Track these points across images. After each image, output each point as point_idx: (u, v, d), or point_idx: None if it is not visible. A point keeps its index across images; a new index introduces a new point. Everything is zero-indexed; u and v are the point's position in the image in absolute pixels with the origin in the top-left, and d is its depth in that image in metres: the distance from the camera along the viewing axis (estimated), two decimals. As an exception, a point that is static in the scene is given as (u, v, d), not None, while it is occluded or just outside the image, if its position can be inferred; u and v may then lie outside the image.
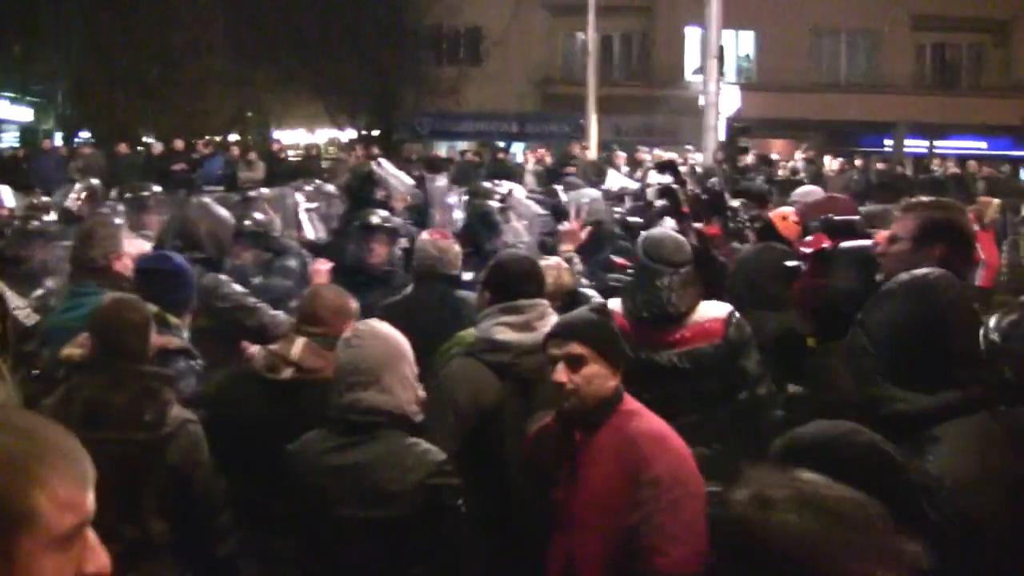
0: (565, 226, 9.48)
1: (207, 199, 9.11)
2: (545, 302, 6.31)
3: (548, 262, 7.50)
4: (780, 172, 29.60)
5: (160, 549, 5.32)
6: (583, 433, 5.16)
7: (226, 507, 5.44)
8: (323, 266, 8.60)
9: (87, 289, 7.35)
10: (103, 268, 7.50)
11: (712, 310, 6.64)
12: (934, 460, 3.74)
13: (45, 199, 12.60)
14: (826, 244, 7.04)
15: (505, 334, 6.08)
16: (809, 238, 7.38)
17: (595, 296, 7.64)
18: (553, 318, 6.09)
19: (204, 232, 8.06)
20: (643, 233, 7.40)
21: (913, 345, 3.96)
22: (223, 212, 8.62)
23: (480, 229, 9.73)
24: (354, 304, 6.52)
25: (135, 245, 8.26)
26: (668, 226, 8.33)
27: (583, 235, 9.43)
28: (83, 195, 12.26)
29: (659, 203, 9.14)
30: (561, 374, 5.11)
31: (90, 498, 2.47)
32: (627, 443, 5.03)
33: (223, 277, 7.93)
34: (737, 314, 6.66)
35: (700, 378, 6.48)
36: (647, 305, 6.56)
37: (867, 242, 6.62)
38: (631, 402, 5.27)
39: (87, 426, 5.14)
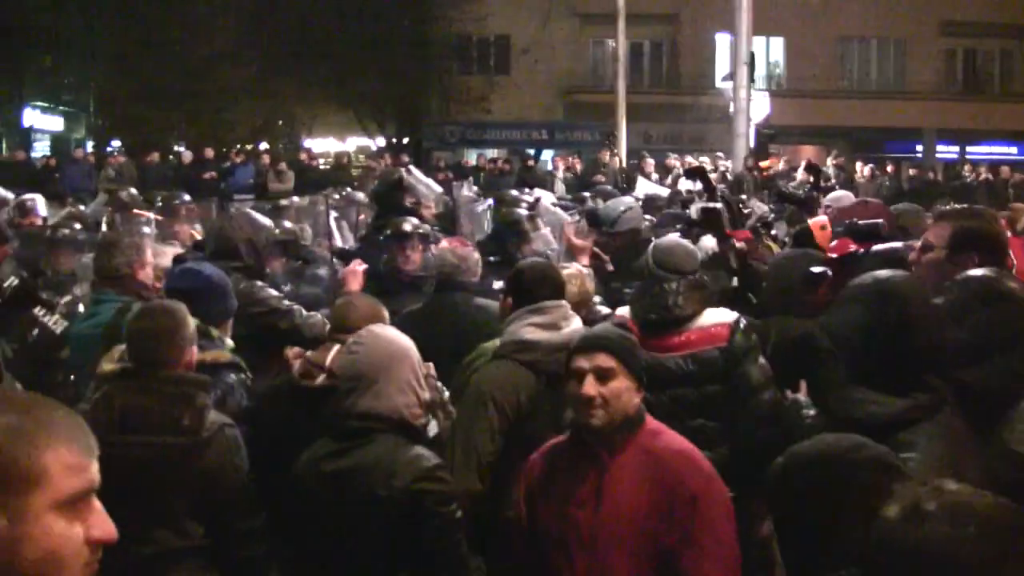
0: (576, 243, 9.51)
1: (248, 208, 9.14)
2: (566, 304, 6.46)
3: (570, 270, 7.60)
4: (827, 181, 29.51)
5: (195, 552, 5.32)
6: (608, 451, 5.03)
7: (261, 512, 5.43)
8: (358, 267, 8.60)
9: (106, 297, 7.37)
10: (124, 277, 7.51)
11: (719, 316, 6.63)
12: (912, 466, 3.70)
13: (81, 208, 12.67)
14: (852, 248, 7.03)
15: (534, 333, 6.21)
16: (835, 243, 7.37)
17: (605, 310, 7.73)
18: (576, 320, 6.38)
19: (242, 241, 8.08)
20: (654, 242, 7.44)
21: (878, 348, 3.96)
22: (262, 221, 8.65)
23: (509, 237, 9.74)
24: (385, 312, 6.57)
25: (168, 254, 8.29)
26: (708, 246, 8.30)
27: (589, 247, 9.49)
28: (112, 204, 12.34)
29: (692, 210, 9.09)
30: (590, 387, 4.97)
31: (95, 467, 2.51)
32: (657, 462, 4.97)
33: (257, 283, 7.94)
34: (744, 320, 6.63)
35: (706, 382, 6.46)
36: (654, 307, 6.57)
37: (897, 244, 6.60)
38: (652, 420, 5.21)
39: (122, 430, 5.17)
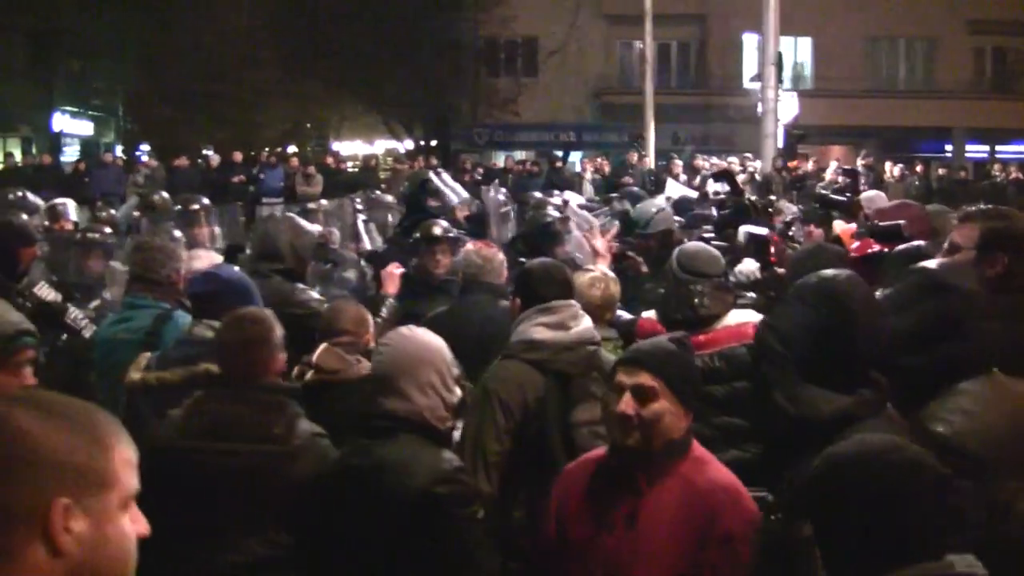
0: (598, 245, 9.52)
1: (291, 214, 9.19)
2: (576, 303, 6.45)
3: (595, 273, 7.60)
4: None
5: (281, 562, 5.31)
6: (648, 478, 4.68)
7: None
8: (396, 270, 8.64)
9: (142, 302, 7.39)
10: (161, 281, 7.53)
11: (745, 315, 6.65)
12: None
13: (111, 212, 12.72)
14: (872, 248, 7.03)
15: (542, 333, 6.20)
16: (856, 244, 7.36)
17: (627, 315, 7.74)
18: (586, 320, 6.34)
19: (285, 244, 8.11)
20: (678, 248, 7.45)
21: (824, 346, 3.97)
22: (306, 226, 8.68)
23: (543, 239, 9.75)
24: (369, 316, 6.81)
25: (207, 257, 8.33)
26: (750, 270, 8.31)
27: (610, 249, 9.52)
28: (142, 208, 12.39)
29: (740, 234, 9.09)
30: (627, 405, 4.63)
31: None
32: (698, 496, 4.62)
33: (298, 285, 7.98)
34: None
35: (734, 379, 6.45)
36: (680, 308, 6.58)
37: (920, 243, 6.60)
38: (699, 448, 4.85)
39: (214, 438, 5.18)
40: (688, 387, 4.76)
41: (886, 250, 7.08)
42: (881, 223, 7.26)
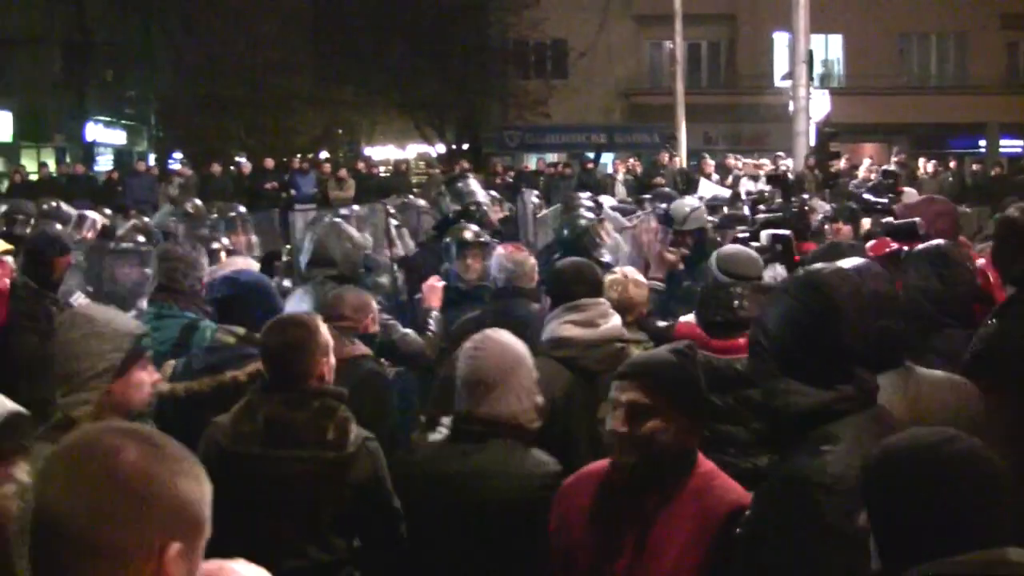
0: (667, 256, 9.51)
1: (339, 220, 9.20)
2: (605, 302, 6.60)
3: (615, 276, 7.65)
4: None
5: (340, 566, 5.33)
6: (654, 500, 4.43)
7: (403, 521, 5.40)
8: (437, 283, 8.60)
9: (168, 312, 7.39)
10: (184, 291, 7.53)
11: None
12: (833, 460, 3.72)
13: (145, 220, 12.76)
14: (890, 247, 7.00)
15: (570, 331, 6.36)
16: (872, 243, 7.33)
17: (661, 323, 7.74)
18: (615, 318, 6.51)
19: (338, 251, 8.14)
20: (716, 250, 7.46)
21: (806, 339, 3.93)
22: (355, 232, 8.70)
23: (583, 243, 9.73)
24: (373, 302, 7.07)
25: (239, 264, 8.34)
26: (779, 274, 8.30)
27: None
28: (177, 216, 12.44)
29: (763, 236, 9.05)
30: (619, 423, 4.41)
31: None
32: (710, 512, 4.37)
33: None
34: None
35: None
36: (719, 310, 6.58)
37: (940, 242, 6.57)
38: (706, 462, 4.58)
39: (271, 444, 5.19)
40: (689, 400, 4.49)
41: (905, 248, 7.07)
42: (896, 221, 7.22)
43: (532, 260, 8.26)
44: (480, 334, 5.39)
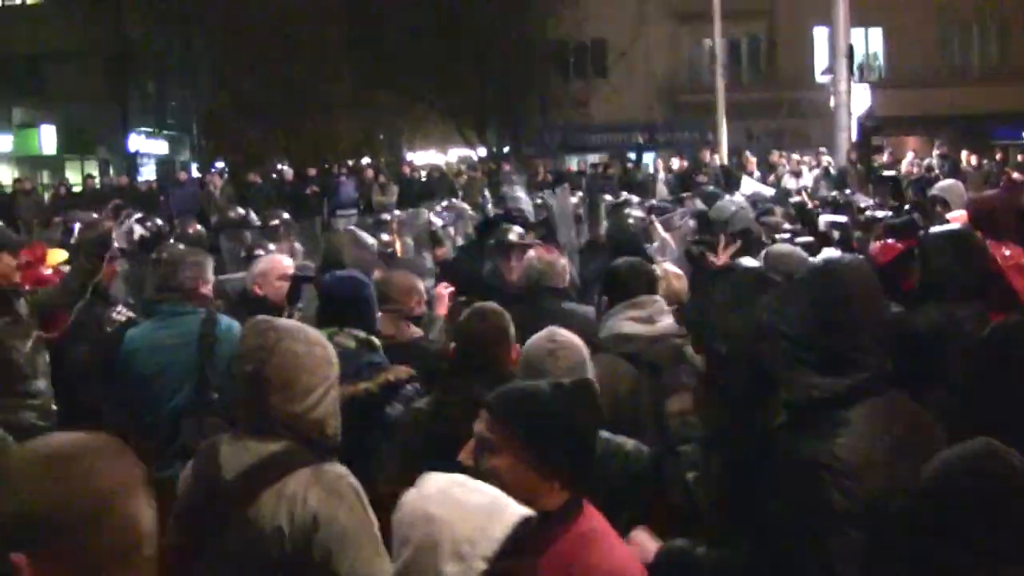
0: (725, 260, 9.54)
1: (352, 226, 9.28)
2: (660, 298, 6.73)
3: (655, 270, 7.63)
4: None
5: None
6: (501, 559, 3.07)
7: None
8: (445, 290, 8.58)
9: (181, 309, 7.36)
10: (179, 287, 7.53)
11: None
12: (843, 443, 3.79)
13: (197, 228, 12.83)
14: (900, 249, 7.02)
15: (632, 327, 6.50)
16: (878, 246, 7.35)
17: None
18: (669, 316, 6.62)
19: (347, 256, 8.22)
20: (766, 249, 7.50)
21: (816, 328, 3.95)
22: (367, 238, 8.76)
23: (637, 241, 9.76)
24: (420, 284, 7.30)
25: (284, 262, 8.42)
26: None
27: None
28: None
29: (821, 222, 9.05)
30: (465, 454, 3.78)
31: None
32: None
33: None
34: None
35: None
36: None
37: (957, 225, 6.56)
38: (591, 520, 3.78)
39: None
40: (550, 442, 3.70)
41: (912, 246, 7.05)
42: (891, 220, 7.24)
43: (563, 260, 8.38)
44: (552, 336, 5.26)
